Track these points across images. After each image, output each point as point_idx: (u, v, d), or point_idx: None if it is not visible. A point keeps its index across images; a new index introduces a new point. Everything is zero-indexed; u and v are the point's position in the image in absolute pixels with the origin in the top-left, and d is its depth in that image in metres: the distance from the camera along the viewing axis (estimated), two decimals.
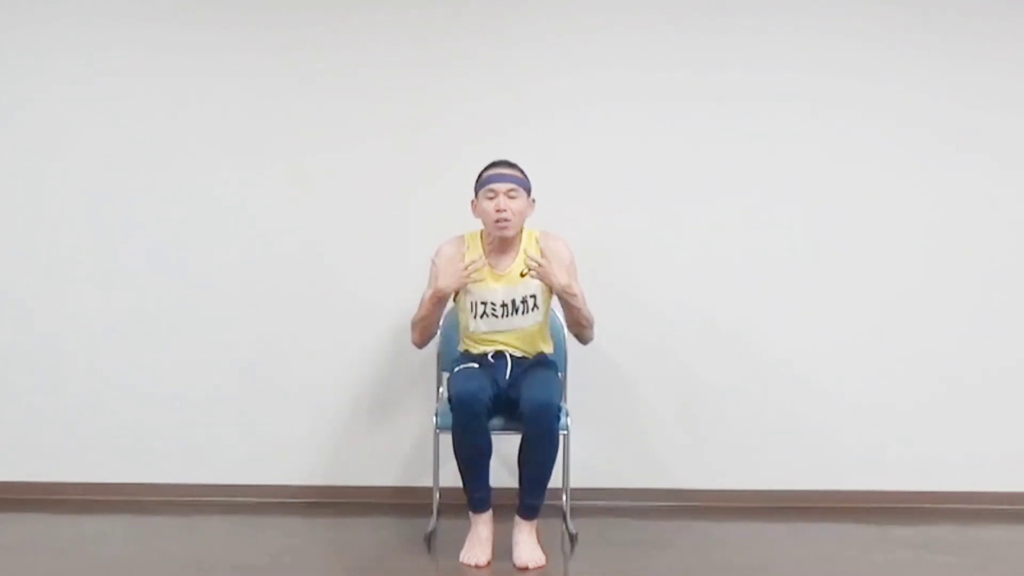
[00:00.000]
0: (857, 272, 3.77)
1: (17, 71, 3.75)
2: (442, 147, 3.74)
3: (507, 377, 3.21)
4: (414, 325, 3.28)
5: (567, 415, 3.26)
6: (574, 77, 3.74)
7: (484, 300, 3.25)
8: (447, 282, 3.16)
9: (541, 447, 3.04)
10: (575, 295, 3.19)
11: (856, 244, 3.77)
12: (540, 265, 3.12)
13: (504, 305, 3.25)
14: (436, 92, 3.74)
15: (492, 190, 3.20)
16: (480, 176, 3.27)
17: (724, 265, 3.76)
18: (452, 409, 3.06)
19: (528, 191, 3.26)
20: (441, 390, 3.55)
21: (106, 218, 3.75)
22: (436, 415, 3.28)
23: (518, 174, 3.25)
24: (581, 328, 3.28)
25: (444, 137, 3.74)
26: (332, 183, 3.75)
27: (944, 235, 3.78)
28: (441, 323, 3.43)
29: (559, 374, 3.39)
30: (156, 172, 3.75)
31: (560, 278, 3.14)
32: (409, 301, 3.64)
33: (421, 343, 3.33)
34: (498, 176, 3.22)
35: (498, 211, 3.18)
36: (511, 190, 3.20)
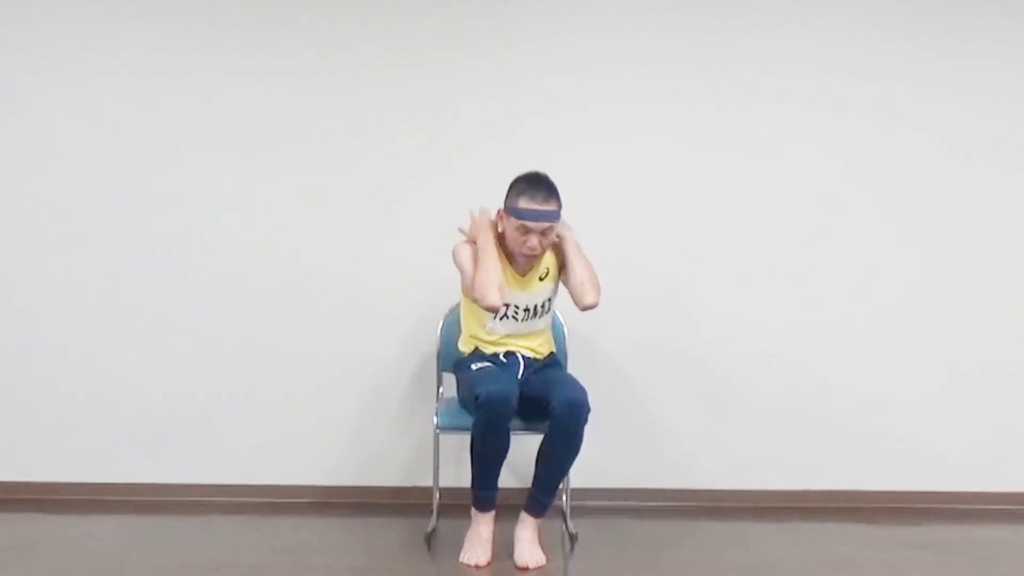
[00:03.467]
0: (859, 272, 3.77)
1: (16, 71, 3.75)
2: (442, 147, 3.73)
3: (519, 377, 3.20)
4: (475, 282, 3.09)
5: None
6: (573, 77, 3.74)
7: (507, 303, 3.21)
8: (481, 232, 3.16)
9: (566, 446, 3.03)
10: (564, 238, 3.19)
11: (858, 243, 3.77)
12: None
13: (527, 310, 3.24)
14: (435, 92, 3.74)
15: (526, 227, 3.09)
16: (515, 197, 3.10)
17: (726, 266, 3.76)
18: (478, 407, 2.96)
19: (560, 217, 3.16)
20: (441, 390, 3.55)
21: (105, 219, 3.75)
22: (436, 415, 3.28)
23: (554, 208, 3.09)
24: (588, 281, 3.15)
25: (443, 138, 3.74)
26: (334, 184, 3.75)
27: (947, 234, 3.78)
28: (441, 324, 3.43)
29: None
30: (155, 173, 3.75)
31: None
32: (409, 302, 3.65)
33: (482, 292, 3.07)
34: (535, 214, 3.07)
35: (530, 248, 3.12)
36: (546, 229, 3.11)
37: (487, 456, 3.03)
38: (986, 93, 3.76)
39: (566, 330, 3.52)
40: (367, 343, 3.75)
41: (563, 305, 3.33)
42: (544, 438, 3.07)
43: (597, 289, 3.18)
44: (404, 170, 3.74)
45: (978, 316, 3.78)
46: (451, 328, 3.48)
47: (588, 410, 3.02)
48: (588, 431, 3.60)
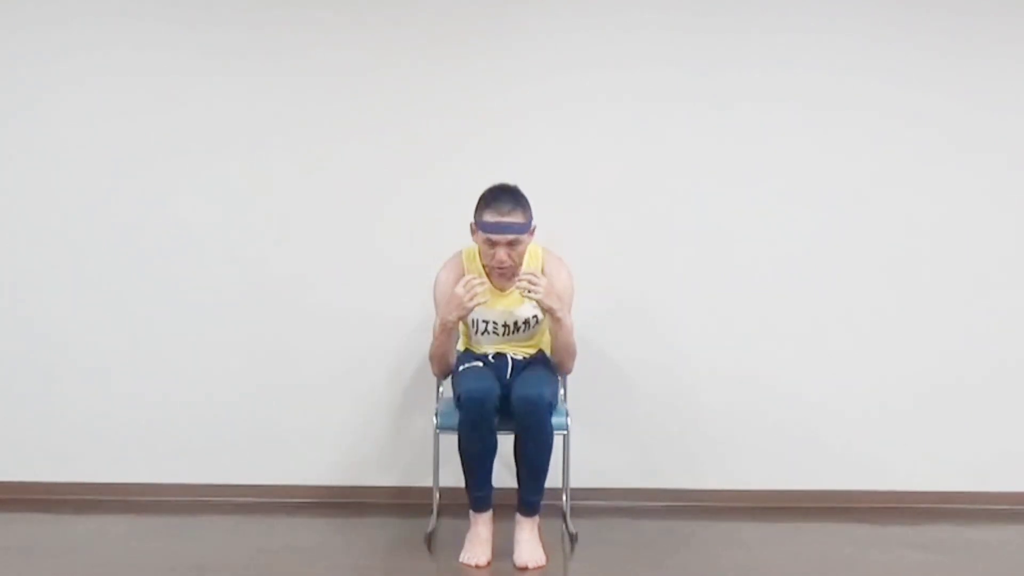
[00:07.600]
0: (857, 272, 3.77)
1: (18, 71, 3.75)
2: (442, 148, 3.73)
3: (507, 377, 3.21)
4: (431, 358, 3.21)
5: (567, 415, 3.26)
6: (573, 77, 3.73)
7: (485, 319, 3.23)
8: (450, 314, 3.06)
9: (534, 442, 3.03)
10: (560, 321, 3.08)
11: (855, 245, 3.77)
12: (534, 284, 2.99)
13: (506, 325, 3.25)
14: (433, 93, 3.73)
15: (491, 240, 3.07)
16: (481, 211, 3.07)
17: (723, 269, 3.75)
18: (460, 407, 3.03)
19: (530, 228, 3.12)
20: (441, 390, 3.55)
21: (105, 219, 3.75)
22: (436, 415, 3.28)
23: (519, 219, 3.04)
24: (565, 356, 3.20)
25: (443, 138, 3.73)
26: (333, 184, 3.75)
27: (943, 235, 3.78)
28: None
29: (558, 375, 3.39)
30: (156, 174, 3.75)
31: (551, 302, 3.03)
32: (408, 302, 3.65)
33: (441, 374, 3.29)
34: (498, 226, 3.03)
35: (498, 261, 3.09)
36: (512, 241, 3.08)
37: (474, 456, 3.04)
38: (988, 93, 3.75)
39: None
40: (367, 343, 3.75)
41: None
42: (514, 437, 3.08)
43: (572, 361, 3.23)
44: (404, 170, 3.74)
45: (977, 316, 3.77)
46: None
47: (549, 405, 3.02)
48: (589, 432, 3.64)
